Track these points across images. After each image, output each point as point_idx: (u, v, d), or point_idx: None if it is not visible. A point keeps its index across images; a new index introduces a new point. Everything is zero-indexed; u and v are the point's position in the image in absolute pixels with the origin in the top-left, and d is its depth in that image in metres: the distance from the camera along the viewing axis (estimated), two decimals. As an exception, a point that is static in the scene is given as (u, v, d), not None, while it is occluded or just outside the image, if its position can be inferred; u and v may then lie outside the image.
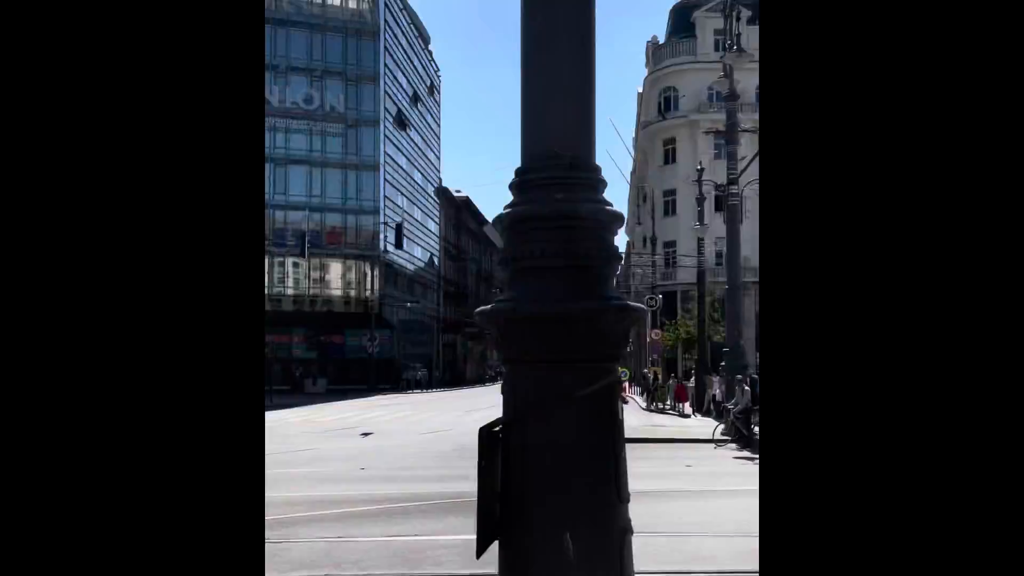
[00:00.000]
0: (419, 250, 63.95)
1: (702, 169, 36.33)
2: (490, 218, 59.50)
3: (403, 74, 59.43)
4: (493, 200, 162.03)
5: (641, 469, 12.15)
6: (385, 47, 53.27)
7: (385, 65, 53.72)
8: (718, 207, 46.42)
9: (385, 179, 52.74)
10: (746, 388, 16.21)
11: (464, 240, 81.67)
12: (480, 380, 73.80)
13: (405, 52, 60.30)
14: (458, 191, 79.26)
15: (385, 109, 53.33)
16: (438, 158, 74.22)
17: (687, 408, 26.84)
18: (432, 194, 70.47)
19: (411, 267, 60.69)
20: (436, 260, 69.40)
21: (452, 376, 70.97)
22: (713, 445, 15.43)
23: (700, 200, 30.99)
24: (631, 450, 10.11)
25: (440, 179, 73.90)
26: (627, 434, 9.35)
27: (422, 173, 66.20)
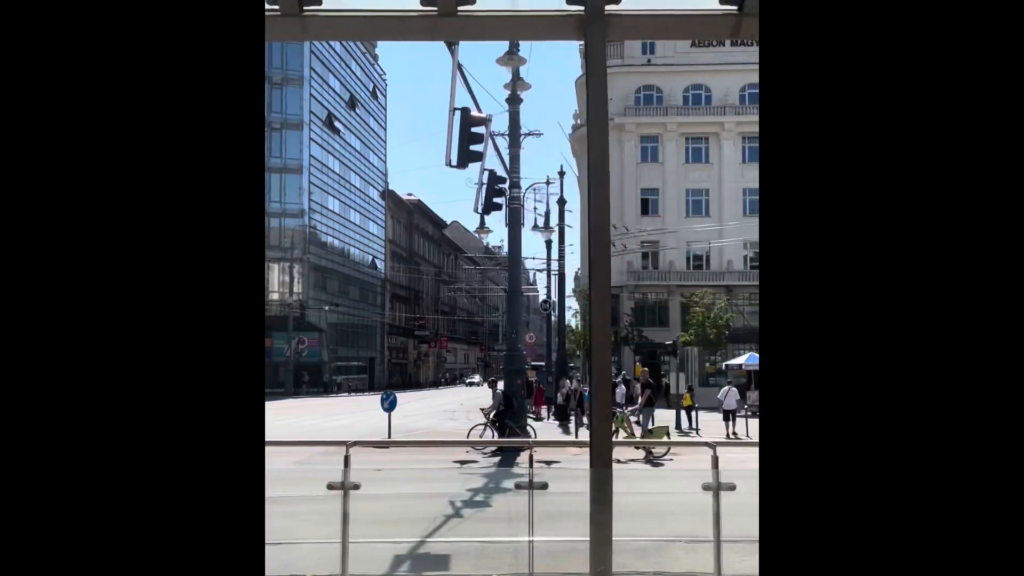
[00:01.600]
0: (356, 253, 63.69)
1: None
2: (451, 220, 58.44)
3: (336, 78, 59.28)
4: (457, 202, 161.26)
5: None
6: (312, 51, 53.11)
7: (313, 68, 53.59)
8: (644, 210, 46.78)
9: (311, 182, 52.57)
10: (497, 392, 16.47)
11: (419, 242, 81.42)
12: (436, 383, 73.56)
13: (339, 56, 60.13)
14: (410, 194, 79.02)
15: (312, 112, 53.21)
16: (383, 161, 74.03)
17: (543, 411, 26.82)
18: (376, 198, 70.24)
19: (345, 270, 60.44)
20: (379, 263, 69.18)
21: (401, 379, 70.74)
22: (465, 450, 15.31)
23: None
24: (393, 454, 9.80)
25: (387, 182, 73.67)
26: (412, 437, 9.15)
27: (361, 176, 65.98)
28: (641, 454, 14.38)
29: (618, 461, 14.13)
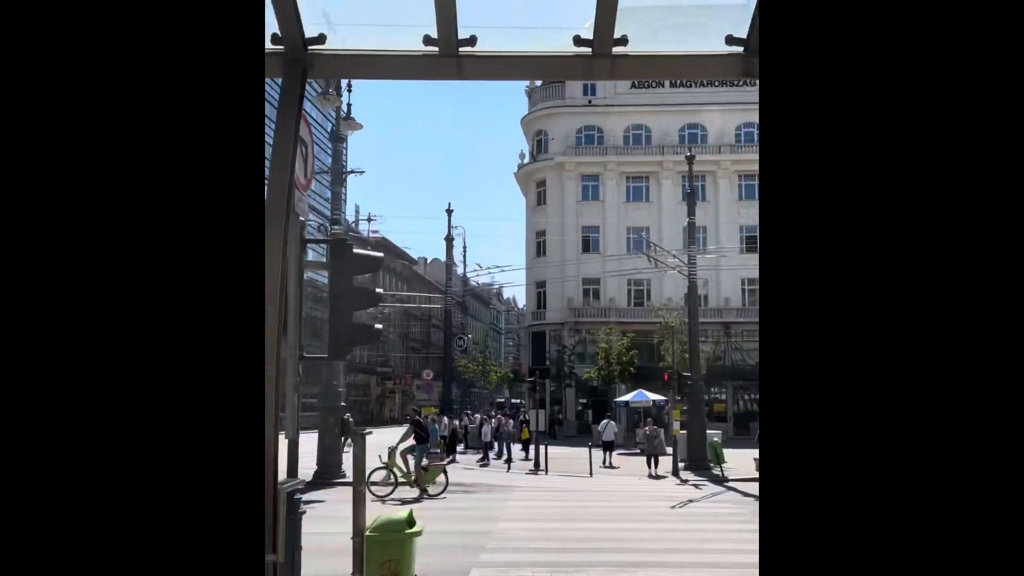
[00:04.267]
0: (305, 291, 63.88)
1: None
2: (432, 258, 57.01)
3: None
4: (427, 237, 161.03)
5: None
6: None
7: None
8: (585, 247, 47.24)
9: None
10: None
11: (383, 279, 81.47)
12: (400, 421, 73.18)
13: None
14: (375, 232, 79.35)
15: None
16: (342, 199, 74.51)
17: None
18: (328, 235, 70.67)
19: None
20: (334, 301, 69.28)
21: (362, 417, 70.32)
22: None
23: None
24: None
25: (346, 221, 74.00)
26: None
27: (315, 215, 66.56)
28: (416, 492, 14.68)
29: (395, 501, 14.29)
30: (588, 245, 47.66)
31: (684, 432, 21.45)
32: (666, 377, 25.75)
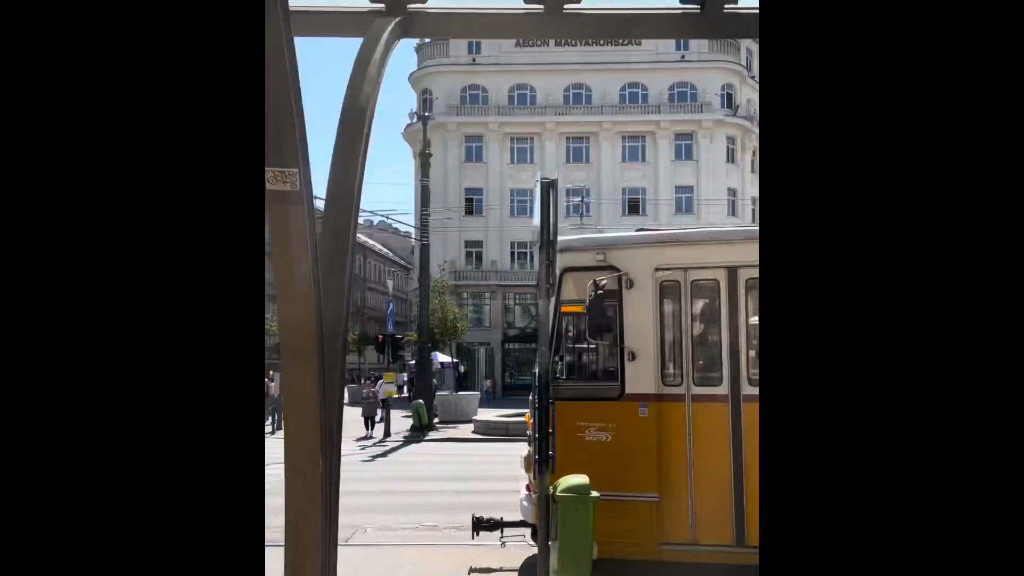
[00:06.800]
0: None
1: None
2: (378, 220, 55.62)
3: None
4: (391, 201, 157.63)
5: None
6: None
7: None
8: (468, 210, 46.76)
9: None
10: None
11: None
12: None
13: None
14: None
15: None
16: (247, 158, 73.49)
17: None
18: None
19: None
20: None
21: (275, 379, 70.20)
22: None
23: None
24: None
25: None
26: None
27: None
28: None
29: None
30: (472, 207, 47.11)
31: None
32: (379, 339, 25.73)
